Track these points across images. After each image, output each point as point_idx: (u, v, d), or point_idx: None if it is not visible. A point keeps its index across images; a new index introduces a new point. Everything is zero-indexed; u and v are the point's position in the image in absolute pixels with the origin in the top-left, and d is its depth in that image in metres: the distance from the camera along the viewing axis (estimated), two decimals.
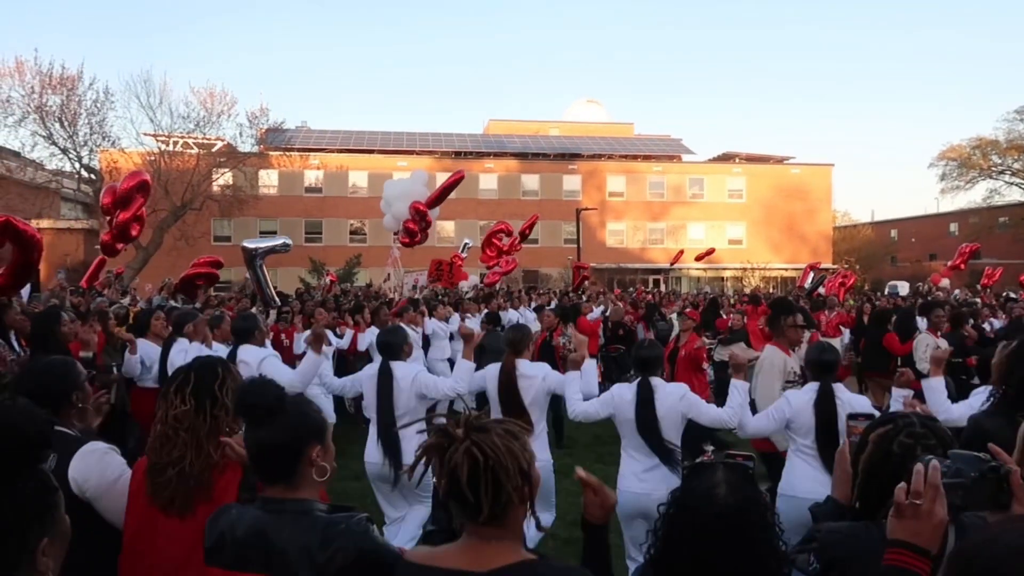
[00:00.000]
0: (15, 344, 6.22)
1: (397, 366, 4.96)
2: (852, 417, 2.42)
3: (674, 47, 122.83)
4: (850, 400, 4.26)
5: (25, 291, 11.09)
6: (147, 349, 6.77)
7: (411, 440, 4.68)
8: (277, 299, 11.75)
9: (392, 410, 4.85)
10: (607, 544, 2.10)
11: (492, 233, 19.48)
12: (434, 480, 1.76)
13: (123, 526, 2.44)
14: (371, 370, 5.10)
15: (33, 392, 2.53)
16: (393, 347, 5.01)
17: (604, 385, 11.56)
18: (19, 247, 5.63)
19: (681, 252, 28.62)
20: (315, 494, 2.04)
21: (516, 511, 1.67)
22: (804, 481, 4.16)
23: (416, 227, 14.02)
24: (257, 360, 4.99)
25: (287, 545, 1.91)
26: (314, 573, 1.89)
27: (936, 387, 4.12)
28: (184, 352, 5.68)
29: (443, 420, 1.73)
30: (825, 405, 4.19)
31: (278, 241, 11.75)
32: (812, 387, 4.33)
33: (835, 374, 4.39)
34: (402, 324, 7.64)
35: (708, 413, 4.50)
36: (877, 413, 3.70)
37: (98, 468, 2.45)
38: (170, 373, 5.21)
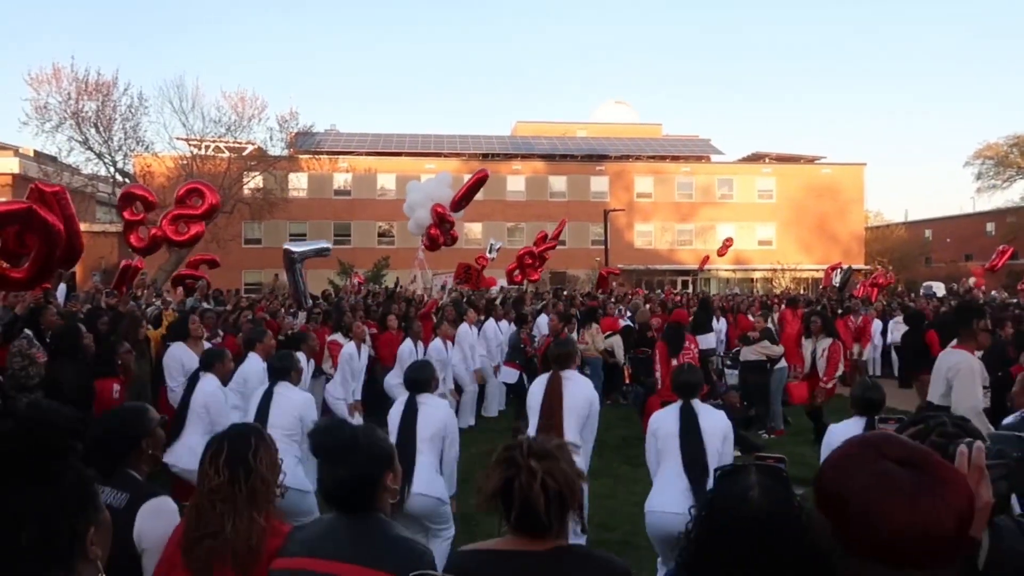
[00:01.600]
0: (49, 344, 6.35)
1: (424, 401, 4.89)
2: (882, 420, 2.38)
3: (702, 47, 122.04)
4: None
5: (61, 292, 11.33)
6: (183, 354, 6.84)
7: (424, 467, 4.70)
8: (309, 302, 11.88)
9: (414, 443, 4.79)
10: None
11: (542, 249, 19.32)
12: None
13: None
14: (399, 407, 5.01)
15: (103, 435, 2.62)
16: (420, 383, 4.96)
17: (631, 387, 11.63)
18: (42, 238, 5.64)
19: (707, 258, 28.32)
20: (387, 510, 2.23)
21: (568, 517, 1.89)
22: None
23: (438, 232, 13.97)
24: (297, 406, 5.02)
25: (364, 549, 2.08)
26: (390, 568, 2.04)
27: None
28: (210, 392, 5.51)
29: (510, 446, 1.88)
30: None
31: (320, 245, 11.93)
32: (858, 424, 4.39)
33: (880, 411, 4.45)
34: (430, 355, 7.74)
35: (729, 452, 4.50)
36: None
37: (163, 527, 2.49)
38: (192, 408, 5.27)
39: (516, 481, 1.75)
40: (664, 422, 4.54)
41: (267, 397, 5.10)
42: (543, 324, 12.51)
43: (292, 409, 4.96)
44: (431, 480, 4.68)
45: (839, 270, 21.55)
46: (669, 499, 4.31)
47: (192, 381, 5.58)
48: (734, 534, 1.73)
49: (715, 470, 1.95)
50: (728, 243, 27.74)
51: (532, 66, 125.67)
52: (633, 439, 9.04)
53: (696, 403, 4.51)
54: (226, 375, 5.72)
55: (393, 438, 5.00)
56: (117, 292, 9.38)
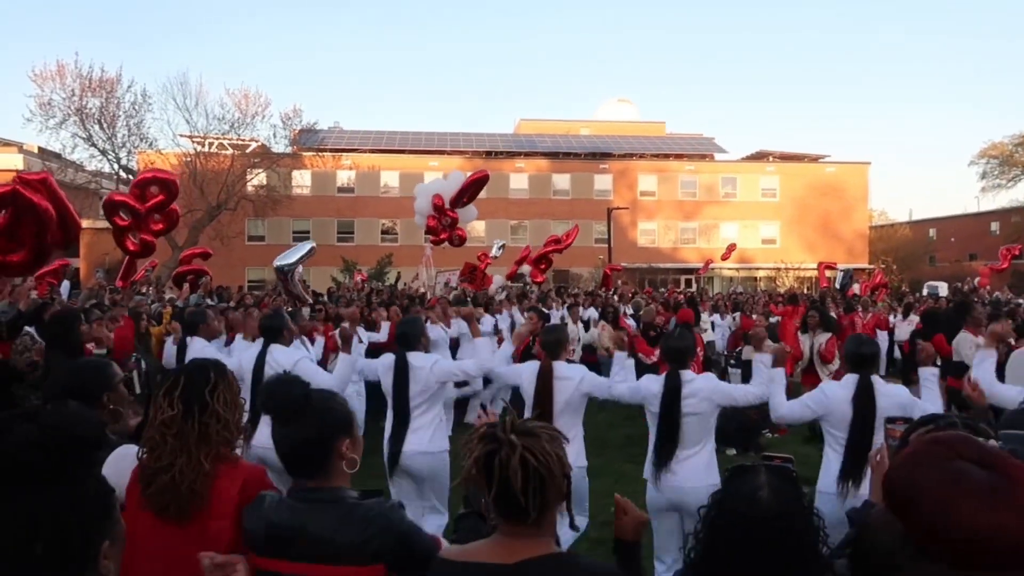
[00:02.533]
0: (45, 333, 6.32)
1: (414, 356, 4.96)
2: (890, 420, 2.35)
3: (706, 45, 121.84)
4: (889, 392, 4.16)
5: (65, 288, 11.34)
6: (203, 347, 6.84)
7: (417, 432, 4.70)
8: (310, 299, 11.89)
9: (407, 401, 4.86)
10: (640, 560, 2.19)
11: (546, 252, 19.32)
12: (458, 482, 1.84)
13: None
14: (387, 360, 5.08)
15: (64, 392, 2.56)
16: (410, 337, 5.01)
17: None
18: (31, 219, 5.64)
19: (709, 261, 28.30)
20: (346, 484, 2.09)
21: (553, 511, 1.76)
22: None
23: (437, 223, 13.98)
24: (291, 362, 5.01)
25: (324, 532, 1.96)
26: (352, 559, 1.94)
27: (987, 359, 4.04)
28: (201, 351, 5.62)
29: (491, 425, 1.78)
30: (864, 399, 4.09)
31: (304, 250, 11.89)
32: (851, 380, 4.23)
33: (875, 366, 4.29)
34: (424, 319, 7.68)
35: (741, 395, 4.45)
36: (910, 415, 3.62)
37: (129, 472, 2.39)
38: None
39: (496, 457, 1.68)
40: (649, 391, 4.50)
41: (260, 358, 5.09)
42: (488, 324, 12.42)
43: (286, 366, 4.94)
44: (432, 436, 4.68)
45: (838, 271, 21.52)
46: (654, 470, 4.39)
47: (181, 347, 5.62)
48: (744, 534, 1.72)
49: (725, 471, 1.93)
50: (731, 248, 27.74)
51: (536, 64, 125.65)
52: (636, 437, 9.01)
53: (685, 373, 4.41)
54: (212, 334, 5.77)
55: (389, 400, 5.03)
56: (121, 286, 9.40)
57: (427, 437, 4.76)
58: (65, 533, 1.31)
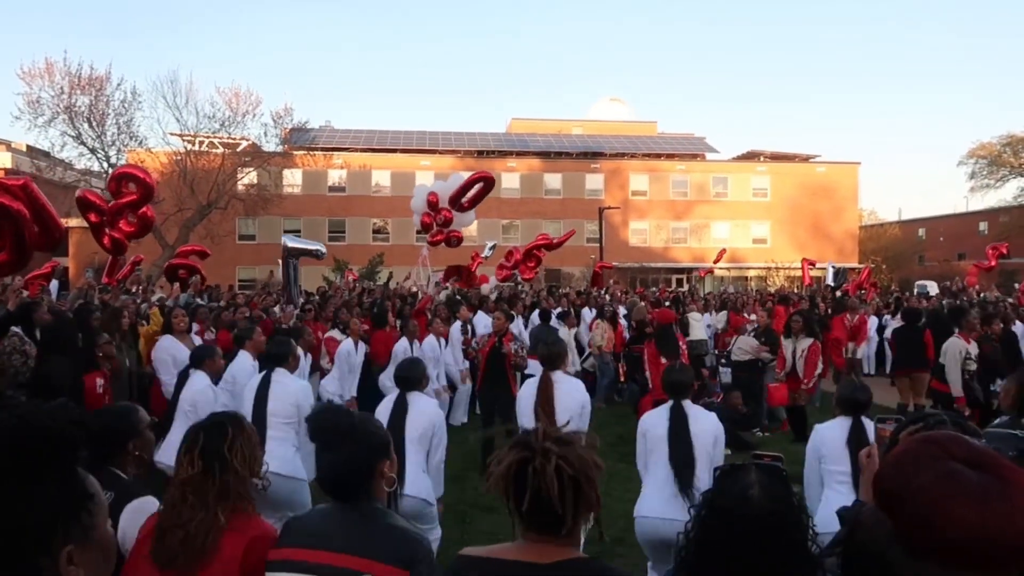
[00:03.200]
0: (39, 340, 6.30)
1: (414, 400, 4.83)
2: (880, 420, 2.36)
3: (697, 45, 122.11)
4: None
5: (54, 288, 11.27)
6: (172, 346, 6.80)
7: (411, 467, 4.66)
8: (300, 299, 11.89)
9: (403, 442, 4.70)
10: None
11: (534, 246, 19.37)
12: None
13: None
14: (387, 403, 4.94)
15: (91, 434, 2.55)
16: (411, 381, 4.89)
17: (627, 384, 11.65)
18: (8, 222, 5.69)
19: (711, 270, 28.38)
20: (384, 502, 2.22)
21: (583, 521, 1.77)
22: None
23: (431, 220, 14.02)
24: (295, 392, 4.99)
25: (364, 535, 2.08)
26: (391, 559, 2.04)
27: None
28: (201, 391, 5.45)
29: (521, 432, 1.80)
30: (859, 443, 4.05)
31: (315, 246, 12.00)
32: (843, 424, 4.29)
33: (867, 411, 4.35)
34: (420, 355, 7.70)
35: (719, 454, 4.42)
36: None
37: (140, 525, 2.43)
38: (180, 405, 5.21)
39: (530, 465, 1.66)
40: (653, 423, 4.49)
41: (264, 384, 5.07)
42: (484, 323, 12.42)
43: (289, 396, 4.91)
44: (416, 480, 4.62)
45: (829, 267, 21.60)
46: (658, 504, 4.27)
47: (182, 377, 5.54)
48: (735, 533, 1.72)
49: (714, 469, 1.93)
50: (722, 253, 27.81)
51: (527, 63, 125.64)
52: (628, 437, 8.99)
53: (687, 404, 4.44)
54: (216, 372, 5.67)
55: None
56: (108, 284, 9.35)
57: (409, 480, 4.60)
58: (15, 531, 1.25)
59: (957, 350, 8.04)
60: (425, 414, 4.77)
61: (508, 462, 1.71)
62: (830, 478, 4.26)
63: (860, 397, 4.39)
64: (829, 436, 4.29)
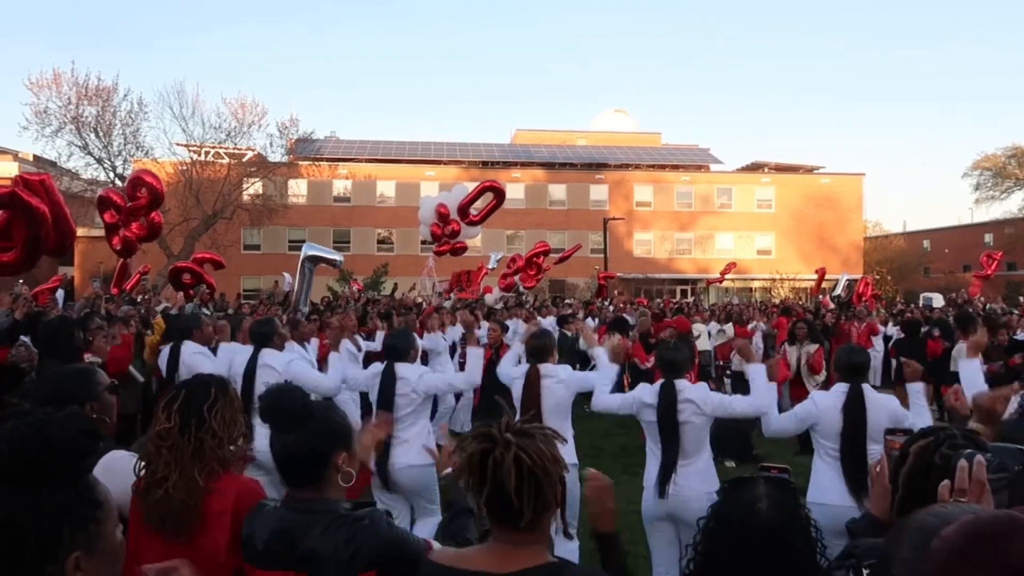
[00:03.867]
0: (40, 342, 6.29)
1: (401, 367, 4.92)
2: (890, 432, 2.35)
3: (701, 57, 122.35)
4: (880, 401, 4.16)
5: (60, 297, 11.30)
6: (194, 351, 6.80)
7: (404, 444, 4.67)
8: (305, 308, 11.90)
9: (391, 412, 4.79)
10: (622, 549, 2.10)
11: (534, 254, 19.43)
12: (442, 484, 1.81)
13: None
14: (374, 370, 5.05)
15: (46, 399, 2.52)
16: (399, 350, 4.98)
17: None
18: (27, 221, 5.69)
19: (720, 280, 28.38)
20: (340, 497, 2.08)
21: (548, 516, 1.72)
22: (832, 490, 4.07)
23: (440, 232, 14.10)
24: (283, 363, 5.00)
25: (314, 543, 1.96)
26: (342, 569, 1.93)
27: (973, 368, 4.05)
28: (192, 356, 5.65)
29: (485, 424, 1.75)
30: (855, 408, 4.09)
31: (335, 256, 12.05)
32: (841, 388, 4.23)
33: (866, 375, 4.29)
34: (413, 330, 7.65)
35: (739, 406, 4.42)
36: (909, 426, 3.62)
37: (121, 475, 2.33)
38: (180, 375, 5.25)
39: (490, 456, 1.64)
40: (643, 401, 4.44)
41: (252, 363, 5.11)
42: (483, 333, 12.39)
43: (278, 367, 4.95)
44: (412, 450, 4.63)
45: (844, 279, 21.59)
46: (653, 481, 4.32)
47: (174, 351, 5.59)
48: (744, 545, 1.72)
49: (722, 483, 1.92)
50: (730, 267, 27.76)
51: (532, 75, 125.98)
52: (632, 447, 9.00)
53: (680, 383, 4.36)
54: (206, 340, 5.73)
55: (374, 411, 4.98)
56: (116, 293, 9.37)
57: (415, 450, 4.70)
58: (20, 538, 1.26)
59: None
60: (411, 380, 4.85)
61: (470, 451, 1.69)
62: (821, 449, 4.23)
63: (857, 359, 4.30)
64: (824, 405, 4.21)
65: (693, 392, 4.37)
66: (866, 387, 4.20)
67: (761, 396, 4.31)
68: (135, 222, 8.53)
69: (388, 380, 4.86)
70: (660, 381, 4.48)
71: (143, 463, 2.28)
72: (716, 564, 1.76)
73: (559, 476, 1.69)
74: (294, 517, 2.01)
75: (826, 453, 4.19)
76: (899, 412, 4.08)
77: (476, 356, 5.32)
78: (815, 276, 22.44)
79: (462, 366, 9.73)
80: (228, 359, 5.95)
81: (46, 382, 2.76)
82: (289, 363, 5.05)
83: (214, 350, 6.16)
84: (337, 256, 12.28)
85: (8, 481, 1.29)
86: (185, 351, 5.69)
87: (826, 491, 4.09)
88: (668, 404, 4.31)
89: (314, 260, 11.13)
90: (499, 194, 14.92)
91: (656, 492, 4.27)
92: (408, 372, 4.93)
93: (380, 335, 9.16)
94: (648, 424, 4.45)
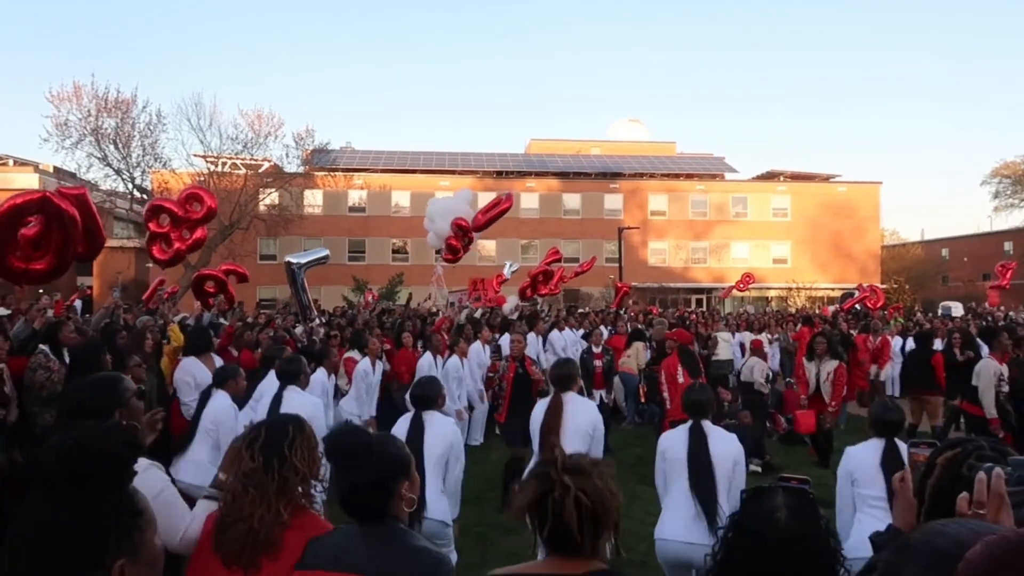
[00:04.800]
0: (68, 361, 6.36)
1: (430, 420, 4.75)
2: (914, 444, 2.31)
3: (716, 65, 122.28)
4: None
5: (77, 307, 11.41)
6: (195, 367, 6.83)
7: (428, 489, 4.61)
8: (315, 311, 11.94)
9: (420, 461, 4.60)
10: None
11: (548, 263, 19.38)
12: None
13: (173, 539, 2.47)
14: (404, 423, 4.85)
15: (76, 407, 2.56)
16: (427, 399, 4.82)
17: (647, 406, 11.56)
18: (58, 226, 5.74)
19: (731, 290, 28.28)
20: (406, 522, 2.19)
21: (605, 539, 1.85)
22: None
23: (459, 244, 14.14)
24: (309, 408, 5.00)
25: (387, 561, 2.05)
26: None
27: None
28: (221, 409, 5.48)
29: (541, 463, 1.87)
30: (894, 465, 4.00)
31: (319, 255, 12.07)
32: (876, 445, 4.21)
33: (900, 432, 4.27)
34: (436, 375, 7.60)
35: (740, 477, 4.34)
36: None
37: (139, 483, 2.39)
38: (202, 423, 5.23)
39: (549, 497, 1.74)
40: (672, 444, 4.42)
41: (276, 402, 5.14)
42: (557, 341, 12.44)
43: (301, 412, 4.93)
44: (434, 502, 4.57)
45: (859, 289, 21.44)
46: (680, 527, 4.21)
47: (204, 397, 5.57)
48: (762, 556, 1.70)
49: (741, 492, 1.92)
50: (748, 279, 27.59)
51: (546, 84, 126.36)
52: (648, 458, 8.89)
53: (707, 424, 4.37)
54: (238, 392, 5.67)
55: None
56: (144, 305, 9.43)
57: (440, 503, 4.55)
58: (70, 544, 1.32)
59: (991, 371, 7.87)
60: (443, 434, 4.68)
61: (530, 495, 1.79)
62: (862, 502, 4.16)
63: (892, 417, 4.29)
64: (861, 458, 4.19)
65: (723, 435, 4.38)
66: (899, 443, 4.15)
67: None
68: (184, 235, 8.55)
69: (416, 432, 4.64)
70: (688, 424, 4.44)
71: (228, 499, 2.37)
72: (734, 574, 1.75)
73: (616, 507, 1.81)
74: (368, 536, 2.11)
75: (867, 505, 4.11)
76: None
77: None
78: (832, 285, 22.23)
79: (490, 380, 9.65)
80: (258, 396, 5.98)
81: (76, 392, 2.81)
82: (311, 408, 5.08)
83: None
84: (320, 254, 12.27)
85: (57, 492, 1.36)
86: (212, 403, 5.43)
87: (866, 545, 4.00)
88: (699, 445, 4.27)
89: (301, 267, 11.15)
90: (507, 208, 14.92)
91: (683, 535, 4.15)
92: (438, 425, 4.75)
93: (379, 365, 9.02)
94: (675, 468, 4.33)
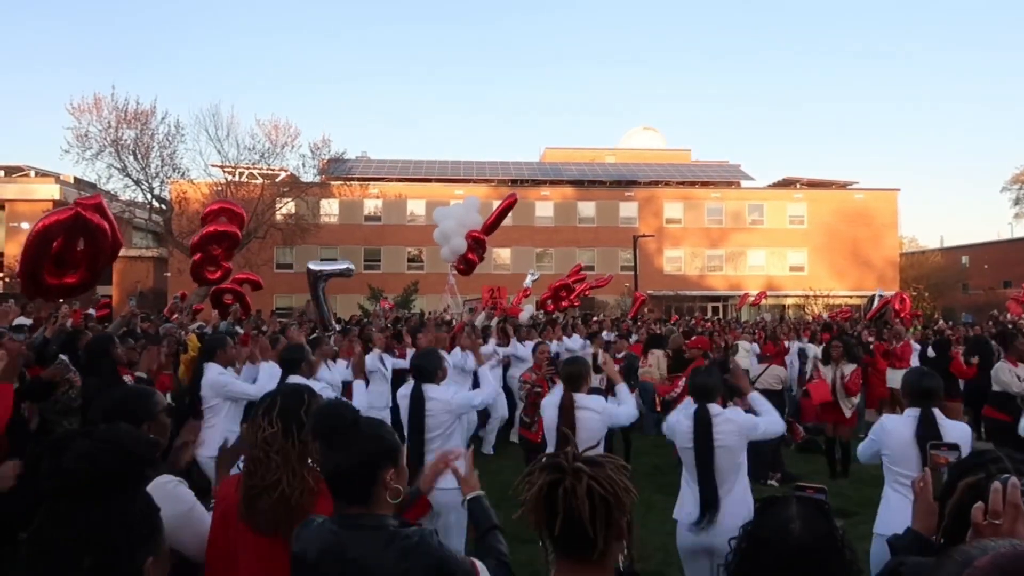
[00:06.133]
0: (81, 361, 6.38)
1: (429, 389, 4.88)
2: (935, 446, 2.27)
3: (731, 73, 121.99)
4: (953, 429, 3.98)
5: (93, 316, 11.50)
6: (217, 374, 6.88)
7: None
8: (333, 322, 11.97)
9: (422, 434, 4.78)
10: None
11: (571, 278, 19.45)
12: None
13: (202, 554, 2.45)
14: (404, 391, 5.03)
15: (104, 416, 2.57)
16: (425, 371, 4.94)
17: (662, 416, 11.47)
18: (89, 240, 5.84)
19: (757, 301, 28.24)
20: (388, 513, 2.09)
21: (618, 548, 1.75)
22: (903, 520, 3.94)
23: (476, 257, 14.18)
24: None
25: (363, 560, 1.96)
26: None
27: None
28: (215, 378, 5.74)
29: (551, 455, 1.76)
30: (928, 435, 3.87)
31: (343, 266, 12.08)
32: (912, 415, 4.09)
33: (938, 400, 4.12)
34: (442, 350, 7.61)
35: (764, 426, 4.38)
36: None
37: (170, 501, 2.34)
38: (204, 402, 5.32)
39: (560, 487, 1.65)
40: (677, 430, 4.39)
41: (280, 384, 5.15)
42: (523, 352, 12.31)
43: None
44: (449, 472, 4.60)
45: (877, 295, 21.29)
46: (688, 511, 4.25)
47: (197, 375, 5.68)
48: (775, 566, 1.68)
49: (755, 501, 1.89)
50: (762, 295, 27.55)
51: (561, 93, 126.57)
52: (665, 467, 8.91)
53: (713, 408, 4.29)
54: (229, 361, 5.80)
55: (405, 433, 4.96)
56: (173, 319, 9.54)
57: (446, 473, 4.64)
58: (112, 548, 1.33)
59: (1007, 369, 7.87)
60: (441, 401, 4.83)
61: (540, 484, 1.70)
62: (891, 476, 4.07)
63: (928, 384, 4.13)
64: (895, 431, 4.07)
65: (727, 414, 4.31)
66: (937, 412, 4.05)
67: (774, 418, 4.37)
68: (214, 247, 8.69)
69: (417, 402, 4.81)
70: (693, 407, 4.40)
71: (250, 468, 2.35)
72: None
73: (631, 504, 1.71)
74: (344, 533, 2.01)
75: (896, 482, 4.01)
76: (965, 438, 3.92)
77: (487, 373, 5.40)
78: (850, 293, 22.09)
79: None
80: (249, 379, 6.04)
81: (106, 401, 2.83)
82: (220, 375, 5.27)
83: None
84: (346, 265, 12.27)
85: (86, 498, 1.36)
86: (209, 373, 5.75)
87: (896, 523, 3.94)
88: (703, 429, 4.24)
89: (324, 276, 11.18)
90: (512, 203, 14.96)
91: (695, 522, 4.17)
92: (438, 392, 4.90)
93: (411, 352, 9.15)
94: (684, 451, 4.37)
